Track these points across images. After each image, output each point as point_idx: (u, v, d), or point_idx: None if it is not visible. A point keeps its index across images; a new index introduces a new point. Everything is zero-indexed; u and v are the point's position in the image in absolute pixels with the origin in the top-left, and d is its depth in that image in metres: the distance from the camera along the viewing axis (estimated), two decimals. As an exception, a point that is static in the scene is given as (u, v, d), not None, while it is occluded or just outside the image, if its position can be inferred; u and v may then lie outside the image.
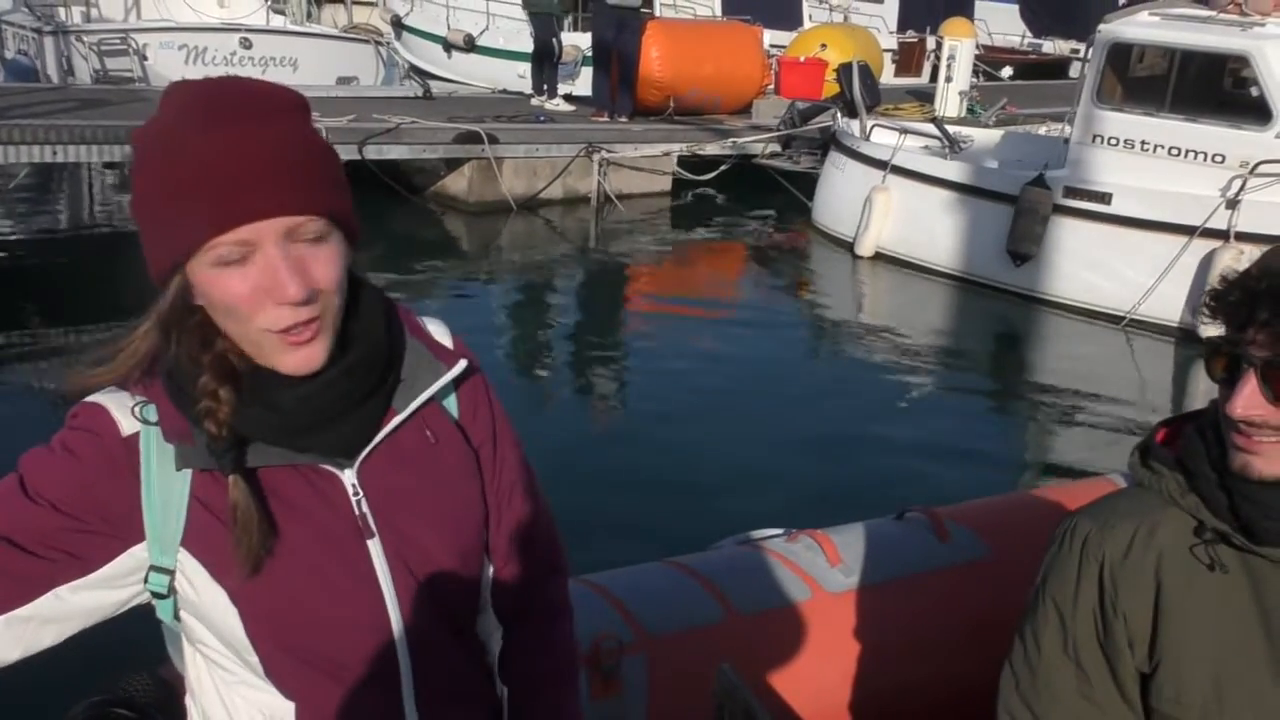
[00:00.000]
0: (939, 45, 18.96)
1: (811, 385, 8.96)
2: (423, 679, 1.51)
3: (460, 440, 1.59)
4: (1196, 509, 1.64)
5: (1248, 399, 1.53)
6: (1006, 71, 25.17)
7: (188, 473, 1.40)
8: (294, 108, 1.38)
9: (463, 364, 1.56)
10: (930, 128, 13.15)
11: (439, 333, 1.62)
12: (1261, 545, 1.59)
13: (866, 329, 10.89)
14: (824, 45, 18.22)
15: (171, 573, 1.41)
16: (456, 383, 1.58)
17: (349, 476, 1.47)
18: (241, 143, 1.30)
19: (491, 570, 1.65)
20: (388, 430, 1.49)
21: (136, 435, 1.40)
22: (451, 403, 1.60)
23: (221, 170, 1.29)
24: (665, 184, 14.83)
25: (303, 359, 1.38)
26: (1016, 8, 29.25)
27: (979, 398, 9.11)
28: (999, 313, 11.03)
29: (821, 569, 2.90)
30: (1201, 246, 9.72)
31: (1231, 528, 1.60)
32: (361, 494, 1.47)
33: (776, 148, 15.47)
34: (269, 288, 1.32)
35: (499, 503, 1.64)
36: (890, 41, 23.78)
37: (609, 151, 14.18)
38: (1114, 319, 10.26)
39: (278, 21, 19.71)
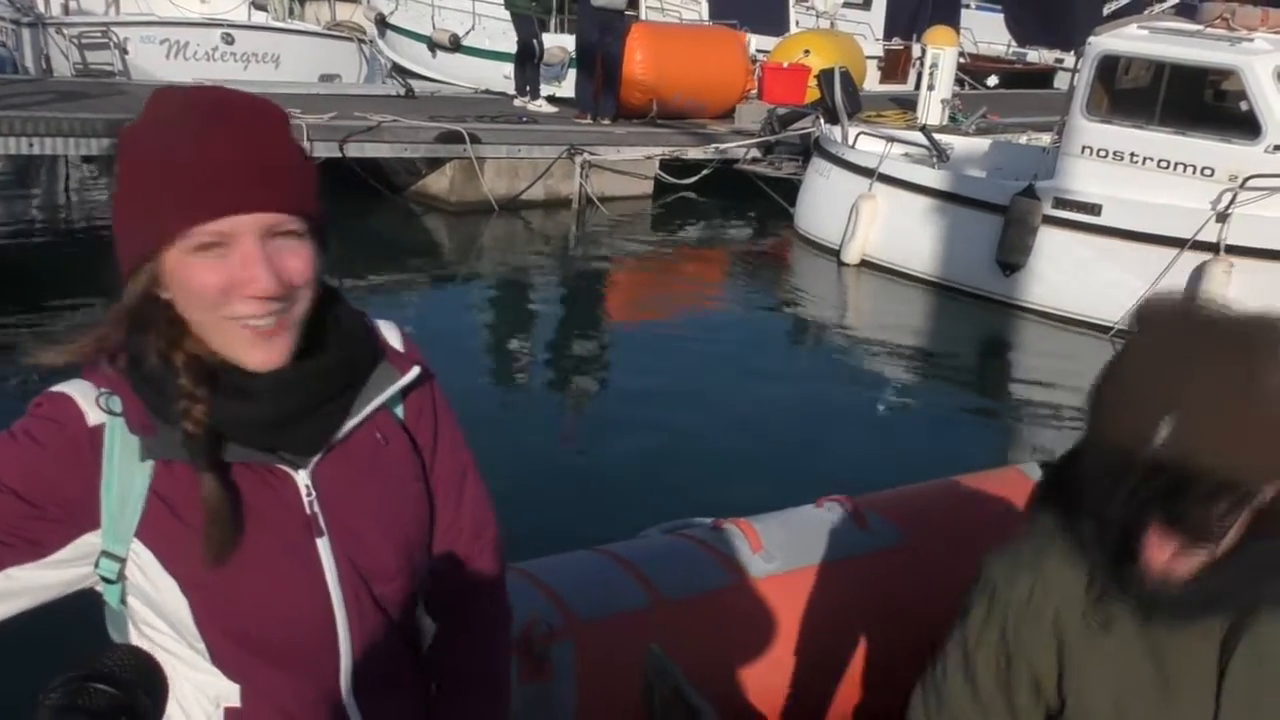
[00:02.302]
0: (923, 53, 18.95)
1: (784, 387, 8.94)
2: (360, 667, 1.57)
3: (407, 442, 1.65)
4: (1089, 566, 1.71)
5: (1170, 558, 1.57)
6: (992, 80, 25.24)
7: (149, 464, 1.43)
8: (279, 118, 1.46)
9: (416, 371, 1.61)
10: (913, 135, 13.12)
11: (391, 336, 1.66)
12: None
13: (850, 334, 10.88)
14: (807, 51, 18.17)
15: (122, 560, 1.45)
16: (406, 387, 1.62)
17: (302, 477, 1.52)
18: (229, 142, 1.37)
19: (430, 566, 1.71)
20: (343, 433, 1.55)
21: (102, 426, 1.43)
22: (400, 406, 1.65)
23: (209, 165, 1.35)
24: (647, 187, 14.80)
25: (265, 355, 1.43)
26: (1002, 17, 29.36)
27: (960, 403, 9.07)
28: (986, 321, 11.01)
29: (745, 555, 3.02)
30: (1192, 259, 9.77)
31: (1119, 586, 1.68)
32: (314, 494, 1.52)
33: (758, 153, 15.43)
34: (243, 281, 1.38)
35: (440, 502, 1.70)
36: (876, 48, 23.83)
37: (591, 154, 14.13)
38: (1102, 329, 10.23)
39: (260, 17, 19.57)
